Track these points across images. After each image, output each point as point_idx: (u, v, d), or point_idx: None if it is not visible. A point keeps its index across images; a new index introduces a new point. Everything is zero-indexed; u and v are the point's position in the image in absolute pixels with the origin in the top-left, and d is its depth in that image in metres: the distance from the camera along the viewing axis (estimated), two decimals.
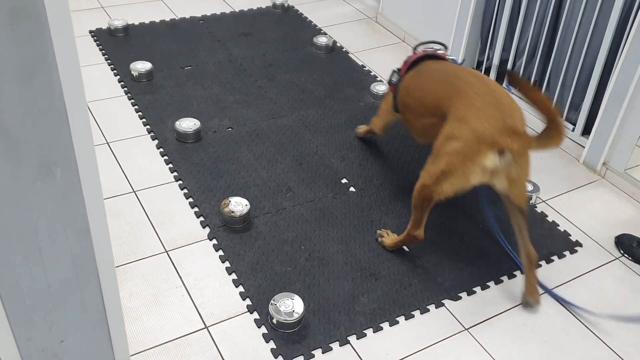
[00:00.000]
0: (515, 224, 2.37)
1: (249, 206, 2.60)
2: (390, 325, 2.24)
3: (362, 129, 3.14)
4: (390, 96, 2.79)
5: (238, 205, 2.59)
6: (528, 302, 2.35)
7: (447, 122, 2.27)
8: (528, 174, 2.27)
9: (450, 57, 2.69)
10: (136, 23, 4.07)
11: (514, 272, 2.49)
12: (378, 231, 2.58)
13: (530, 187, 2.86)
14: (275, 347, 2.12)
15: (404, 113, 2.68)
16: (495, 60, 3.66)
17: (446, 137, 2.24)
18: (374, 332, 2.21)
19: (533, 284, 2.34)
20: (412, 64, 2.66)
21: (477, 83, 2.32)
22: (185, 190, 2.75)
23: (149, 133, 3.10)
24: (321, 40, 3.96)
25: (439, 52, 2.69)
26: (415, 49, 2.78)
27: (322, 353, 2.12)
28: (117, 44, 3.83)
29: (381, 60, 3.93)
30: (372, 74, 3.76)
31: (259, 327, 2.19)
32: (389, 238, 2.53)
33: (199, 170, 2.87)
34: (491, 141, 2.11)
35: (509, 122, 2.14)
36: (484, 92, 2.26)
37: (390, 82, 2.76)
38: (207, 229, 2.57)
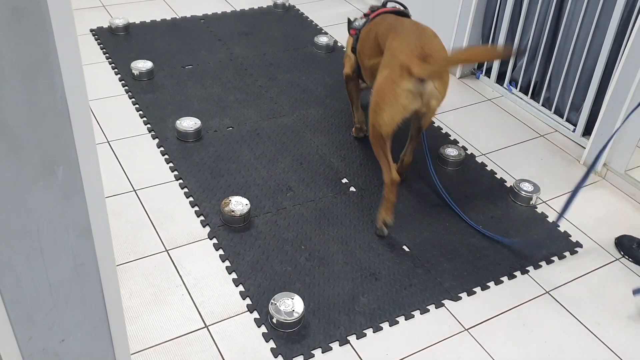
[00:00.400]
0: (410, 134, 2.74)
1: (249, 205, 2.60)
2: (390, 326, 2.24)
3: (353, 130, 3.21)
4: (351, 40, 3.03)
5: (238, 204, 2.60)
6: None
7: (383, 54, 2.55)
8: (442, 101, 2.50)
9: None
10: (137, 22, 4.07)
11: (514, 273, 2.50)
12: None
13: (530, 188, 2.87)
14: (275, 346, 2.12)
15: (359, 55, 2.92)
16: (496, 61, 3.66)
17: (379, 71, 2.51)
18: (373, 332, 2.21)
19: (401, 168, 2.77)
20: (378, 15, 2.89)
21: (410, 25, 2.60)
22: (186, 190, 2.75)
23: (150, 132, 3.10)
24: (322, 39, 3.96)
25: (405, 11, 2.95)
26: (384, 3, 3.02)
27: (322, 353, 2.12)
28: (118, 42, 3.83)
29: None
30: None
31: (259, 327, 2.19)
32: (381, 213, 2.57)
33: (199, 169, 2.87)
34: (409, 67, 2.34)
35: (427, 50, 2.40)
36: (411, 30, 2.54)
37: (352, 27, 3.00)
38: (208, 228, 2.57)
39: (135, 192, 2.73)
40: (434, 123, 3.36)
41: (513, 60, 3.58)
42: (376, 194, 2.82)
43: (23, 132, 1.00)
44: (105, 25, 3.98)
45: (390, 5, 3.00)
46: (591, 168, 2.46)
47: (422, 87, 2.38)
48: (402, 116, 2.43)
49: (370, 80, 2.82)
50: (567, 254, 2.61)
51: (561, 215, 2.43)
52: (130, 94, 3.37)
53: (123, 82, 3.46)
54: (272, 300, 2.22)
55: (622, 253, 2.63)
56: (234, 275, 2.37)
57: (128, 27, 3.95)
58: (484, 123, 3.42)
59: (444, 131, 3.31)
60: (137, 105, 3.28)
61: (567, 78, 3.30)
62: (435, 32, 2.63)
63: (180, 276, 2.36)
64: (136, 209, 2.64)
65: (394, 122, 2.44)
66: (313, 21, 4.31)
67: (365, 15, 2.99)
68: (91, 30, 3.94)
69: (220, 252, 2.47)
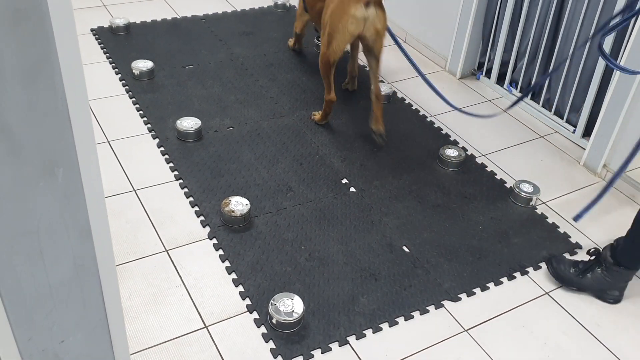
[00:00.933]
0: (370, 68, 3.09)
1: (249, 206, 2.60)
2: (390, 326, 2.24)
3: (290, 41, 3.91)
4: (300, 2, 3.56)
5: (238, 204, 2.60)
6: (374, 130, 3.09)
7: None
8: (385, 28, 2.96)
9: None
10: (138, 21, 4.07)
11: (514, 274, 2.50)
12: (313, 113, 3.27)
13: (530, 189, 2.87)
14: (274, 347, 2.13)
15: (311, 10, 3.36)
16: (497, 62, 3.67)
17: (326, 7, 2.98)
18: (373, 332, 2.22)
19: (378, 116, 3.08)
20: None
21: None
22: (186, 190, 2.75)
23: (150, 132, 3.10)
24: None
25: None
26: None
27: (322, 353, 2.12)
28: (118, 42, 3.83)
29: (383, 61, 3.92)
30: None
31: (258, 327, 2.19)
32: (317, 114, 3.23)
33: (199, 169, 2.87)
34: None
35: None
36: None
37: None
38: (207, 229, 2.57)
39: (135, 192, 2.73)
40: (434, 124, 3.36)
41: (513, 61, 3.57)
42: (376, 194, 2.82)
43: (23, 133, 1.00)
44: (106, 25, 3.98)
45: None
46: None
47: (366, 12, 2.83)
48: (349, 41, 2.96)
49: (318, 24, 3.31)
50: (566, 255, 2.61)
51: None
52: (130, 93, 3.37)
53: (123, 81, 3.46)
54: (271, 301, 2.22)
55: None
56: (233, 276, 2.37)
57: (129, 27, 3.95)
58: (484, 124, 3.42)
59: (444, 132, 3.31)
60: (137, 105, 3.28)
61: (567, 79, 3.30)
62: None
63: (180, 276, 2.36)
64: (136, 209, 2.64)
65: (342, 49, 2.95)
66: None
67: None
68: (92, 30, 3.94)
69: (220, 252, 2.47)
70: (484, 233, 2.67)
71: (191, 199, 2.70)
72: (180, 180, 2.80)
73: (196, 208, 2.66)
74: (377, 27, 2.89)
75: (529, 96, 3.53)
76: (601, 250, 2.39)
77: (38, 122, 1.00)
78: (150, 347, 2.09)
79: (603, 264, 2.36)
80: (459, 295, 2.39)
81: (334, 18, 2.87)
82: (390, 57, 3.98)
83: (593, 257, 2.41)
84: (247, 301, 2.28)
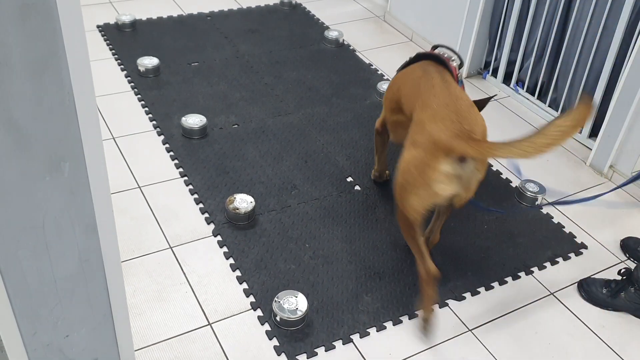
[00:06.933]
0: (437, 214, 2.36)
1: (254, 203, 2.60)
2: (394, 325, 2.24)
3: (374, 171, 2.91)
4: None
5: (243, 202, 2.60)
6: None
7: (410, 126, 2.15)
8: (483, 177, 2.10)
9: (456, 64, 2.48)
10: (144, 18, 4.07)
11: (519, 274, 2.49)
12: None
13: (536, 189, 2.86)
14: (278, 344, 2.12)
15: (384, 101, 2.58)
16: (503, 61, 3.66)
17: (406, 147, 2.11)
18: (377, 331, 2.21)
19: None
20: (416, 59, 2.49)
21: (440, 91, 2.16)
22: (191, 187, 2.75)
23: (155, 129, 3.10)
24: (332, 34, 3.98)
25: (452, 61, 2.46)
26: (433, 48, 2.58)
27: (325, 351, 2.12)
28: (124, 39, 3.84)
29: (388, 59, 3.92)
30: (379, 72, 3.75)
31: (262, 325, 2.19)
32: (419, 315, 2.24)
33: (204, 166, 2.87)
34: (447, 147, 1.94)
35: (466, 127, 1.99)
36: (443, 99, 2.11)
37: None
38: (212, 226, 2.57)
39: (140, 189, 2.73)
40: None
41: (520, 60, 3.56)
42: (381, 192, 2.81)
43: (30, 128, 1.00)
44: (112, 22, 3.99)
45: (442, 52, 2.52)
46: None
47: (461, 168, 1.97)
48: (434, 202, 2.08)
49: (394, 137, 2.53)
50: (571, 255, 2.61)
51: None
52: (136, 90, 3.37)
53: (129, 78, 3.47)
54: (275, 298, 2.22)
55: (627, 255, 2.62)
56: (237, 273, 2.37)
57: (134, 24, 3.95)
58: (490, 123, 3.38)
59: None
60: (142, 102, 3.28)
61: (574, 79, 3.28)
62: (470, 100, 2.25)
63: (184, 273, 2.36)
64: (141, 206, 2.64)
65: (423, 209, 2.06)
66: (320, 19, 4.30)
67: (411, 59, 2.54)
68: (98, 27, 3.95)
69: (225, 249, 2.47)
70: (489, 232, 2.66)
71: (196, 196, 2.70)
72: (185, 177, 2.80)
73: (201, 205, 2.66)
74: (472, 187, 2.06)
75: (536, 95, 3.52)
76: (632, 270, 2.32)
77: (45, 116, 1.00)
78: (154, 344, 2.09)
79: (635, 284, 2.30)
80: (463, 295, 2.38)
81: (412, 167, 2.02)
82: (394, 53, 3.97)
83: (625, 277, 2.34)
84: (251, 298, 2.28)
